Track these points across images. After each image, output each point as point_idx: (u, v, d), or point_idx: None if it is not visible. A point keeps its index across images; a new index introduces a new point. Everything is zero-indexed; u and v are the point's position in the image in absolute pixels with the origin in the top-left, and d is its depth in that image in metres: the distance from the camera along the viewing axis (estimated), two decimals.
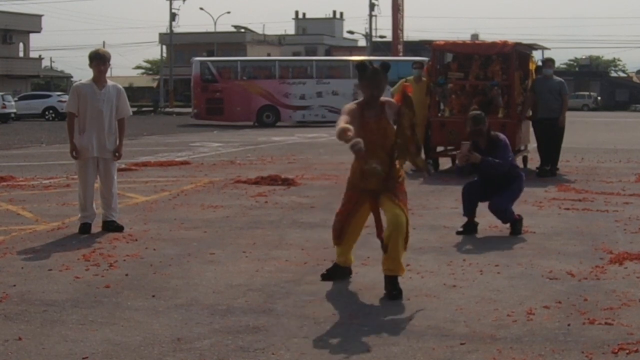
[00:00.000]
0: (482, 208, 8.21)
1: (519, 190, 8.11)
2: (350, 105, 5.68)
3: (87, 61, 8.05)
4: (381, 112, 5.61)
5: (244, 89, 34.31)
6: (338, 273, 6.04)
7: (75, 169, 8.53)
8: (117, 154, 8.16)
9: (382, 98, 5.70)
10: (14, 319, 5.04)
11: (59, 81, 75.20)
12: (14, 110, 40.28)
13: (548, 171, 13.19)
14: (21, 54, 62.30)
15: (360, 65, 5.70)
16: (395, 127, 5.67)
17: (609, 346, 4.49)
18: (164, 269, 6.42)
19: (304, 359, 4.35)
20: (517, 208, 9.55)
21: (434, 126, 13.82)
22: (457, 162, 7.98)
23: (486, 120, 7.82)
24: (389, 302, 5.43)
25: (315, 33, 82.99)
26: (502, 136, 7.97)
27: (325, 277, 6.01)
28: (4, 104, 39.27)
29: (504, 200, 7.95)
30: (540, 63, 14.16)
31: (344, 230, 5.88)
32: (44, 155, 18.10)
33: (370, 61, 5.80)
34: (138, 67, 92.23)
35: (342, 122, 5.39)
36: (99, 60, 7.95)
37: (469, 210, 8.02)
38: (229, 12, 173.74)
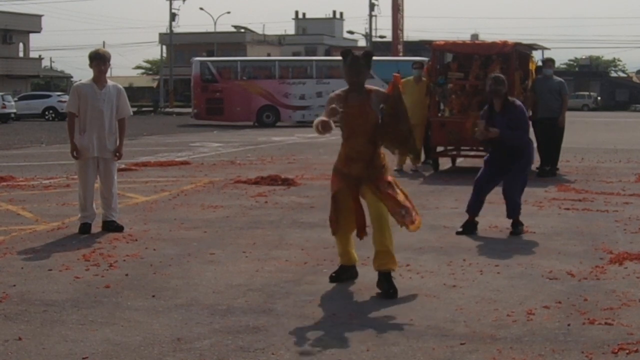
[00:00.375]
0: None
1: (529, 164, 8.17)
2: (335, 94, 5.83)
3: (87, 61, 8.05)
4: (366, 98, 5.74)
5: (244, 89, 34.32)
6: (345, 274, 6.03)
7: (76, 169, 8.53)
8: (117, 154, 8.16)
9: (371, 87, 5.86)
10: (14, 319, 5.04)
11: (59, 81, 75.21)
12: (14, 110, 40.28)
13: (548, 171, 13.19)
14: (21, 54, 62.29)
15: (342, 52, 5.87)
16: (380, 116, 5.82)
17: (609, 346, 4.49)
18: (164, 269, 6.42)
19: (304, 359, 4.34)
20: None
21: (434, 126, 13.82)
22: (476, 137, 8.07)
23: (506, 83, 7.96)
24: (389, 302, 5.43)
25: (315, 33, 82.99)
26: (518, 102, 8.08)
27: (333, 279, 6.00)
28: (4, 104, 39.27)
29: (518, 186, 8.06)
30: (540, 63, 14.17)
31: (339, 220, 5.93)
32: (44, 155, 18.10)
33: (351, 49, 5.95)
34: (138, 67, 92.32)
35: (323, 115, 5.56)
36: (99, 60, 7.95)
37: (474, 207, 8.04)
38: (229, 12, 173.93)
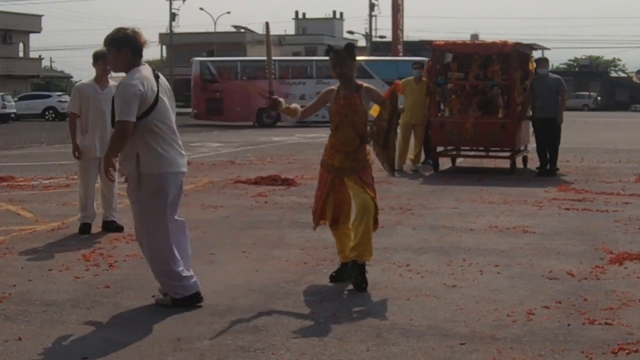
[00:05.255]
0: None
1: None
2: (329, 87, 6.07)
3: (87, 61, 8.16)
4: (356, 91, 5.92)
5: (243, 89, 34.31)
6: (346, 273, 6.03)
7: (77, 169, 8.51)
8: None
9: (363, 83, 6.02)
10: (14, 319, 5.04)
11: (59, 81, 75.14)
12: (14, 110, 40.31)
13: (548, 171, 13.19)
14: (21, 54, 62.28)
15: (326, 49, 6.12)
16: (371, 112, 5.96)
17: (609, 346, 4.48)
18: None
19: (304, 359, 4.34)
20: (517, 208, 9.57)
21: (434, 126, 13.82)
22: None
23: None
24: (388, 302, 5.43)
25: (315, 33, 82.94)
26: None
27: (333, 278, 5.99)
28: (4, 104, 39.30)
29: None
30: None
31: (324, 212, 6.00)
32: (44, 155, 18.10)
33: (331, 44, 6.19)
34: None
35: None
36: (104, 60, 7.94)
37: None
38: (229, 12, 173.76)
